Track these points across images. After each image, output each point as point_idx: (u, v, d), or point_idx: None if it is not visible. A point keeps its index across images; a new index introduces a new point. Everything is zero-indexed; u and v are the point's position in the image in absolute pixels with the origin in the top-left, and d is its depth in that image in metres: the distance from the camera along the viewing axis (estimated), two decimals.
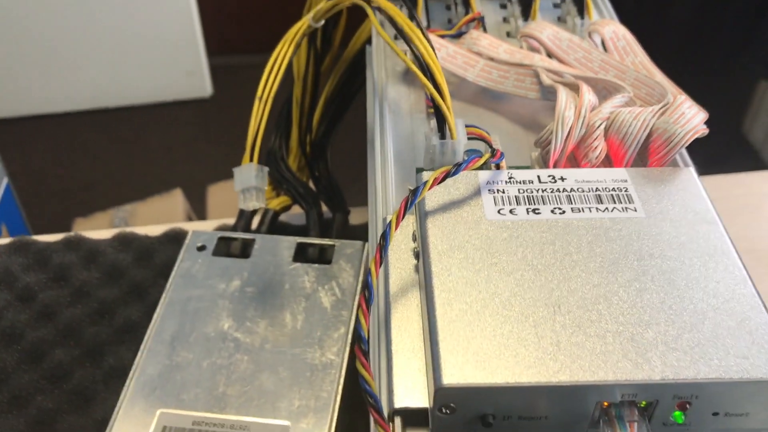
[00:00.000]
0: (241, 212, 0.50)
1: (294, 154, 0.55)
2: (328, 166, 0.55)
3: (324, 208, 0.53)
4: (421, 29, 0.33)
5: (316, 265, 0.46)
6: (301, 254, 0.47)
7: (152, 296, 0.50)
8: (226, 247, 0.47)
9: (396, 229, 0.28)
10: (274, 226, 0.51)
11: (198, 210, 1.30)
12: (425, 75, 0.32)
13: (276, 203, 0.52)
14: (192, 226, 0.52)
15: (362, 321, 0.26)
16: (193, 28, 1.70)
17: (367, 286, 0.27)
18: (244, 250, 0.47)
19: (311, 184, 0.55)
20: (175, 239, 0.54)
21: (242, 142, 0.53)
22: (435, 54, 0.33)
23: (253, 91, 0.53)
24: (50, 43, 1.65)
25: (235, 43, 1.87)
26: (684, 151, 0.36)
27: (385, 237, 0.28)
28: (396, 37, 0.40)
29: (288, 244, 0.47)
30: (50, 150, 1.64)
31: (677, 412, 0.25)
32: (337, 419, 0.38)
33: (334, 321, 0.42)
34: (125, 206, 1.24)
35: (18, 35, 1.62)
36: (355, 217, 0.53)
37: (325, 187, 0.54)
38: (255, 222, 0.51)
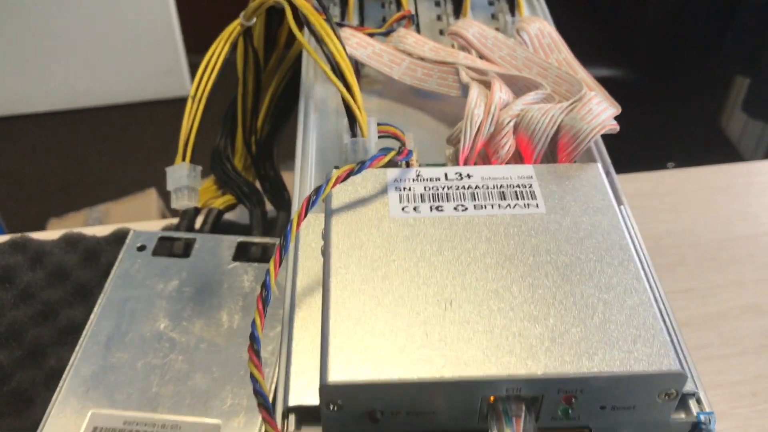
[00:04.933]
0: (185, 212, 0.50)
1: (240, 153, 0.55)
2: (274, 164, 0.55)
3: (270, 207, 0.53)
4: (334, 30, 0.34)
5: (257, 264, 0.46)
6: (243, 253, 0.47)
7: (97, 297, 0.50)
8: (168, 247, 0.47)
9: (297, 228, 0.29)
10: (218, 224, 0.52)
11: (173, 209, 1.30)
12: (335, 74, 0.32)
13: (220, 202, 0.53)
14: (138, 226, 0.52)
15: (257, 321, 0.26)
16: (172, 26, 1.69)
17: (264, 287, 0.27)
18: (186, 249, 0.47)
19: (258, 184, 0.55)
20: (122, 239, 0.54)
21: None
22: (345, 52, 0.33)
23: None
24: (27, 43, 1.64)
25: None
26: (601, 145, 0.36)
27: (285, 237, 0.28)
28: None
29: (229, 243, 0.47)
30: (27, 151, 1.63)
31: (564, 407, 0.26)
32: None
33: (271, 319, 0.42)
34: (99, 206, 1.23)
35: None
36: None
37: (271, 186, 0.54)
38: (199, 221, 0.51)
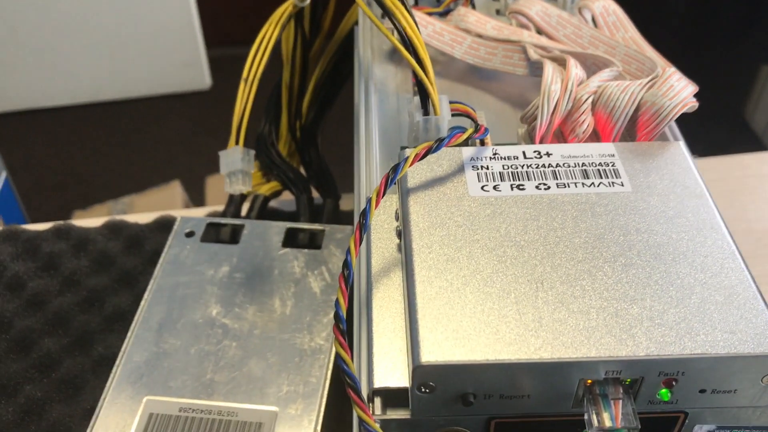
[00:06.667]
0: (231, 198, 0.50)
1: (284, 139, 0.54)
2: (318, 150, 0.55)
3: (315, 193, 0.52)
4: (405, 5, 0.33)
5: (306, 250, 0.45)
6: (291, 239, 0.46)
7: (142, 284, 0.50)
8: (216, 233, 0.47)
9: (376, 206, 0.28)
10: (264, 211, 0.51)
11: (197, 201, 1.30)
12: (408, 50, 0.32)
13: (266, 189, 0.52)
14: (182, 213, 0.52)
15: (340, 300, 0.26)
16: (191, 19, 1.69)
17: (346, 265, 0.26)
18: (234, 235, 0.46)
19: (302, 170, 0.54)
20: (165, 226, 0.54)
21: None
22: (418, 29, 0.32)
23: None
24: (48, 37, 1.64)
25: (234, 34, 1.85)
26: (674, 126, 0.35)
27: (365, 215, 0.27)
28: (382, 16, 0.39)
29: (277, 229, 0.46)
30: (49, 144, 1.64)
31: (663, 390, 0.25)
32: (326, 404, 0.37)
33: (324, 306, 0.42)
34: (123, 198, 1.23)
35: (15, 29, 1.62)
36: (346, 202, 0.53)
37: (316, 172, 0.53)
38: (245, 208, 0.51)
